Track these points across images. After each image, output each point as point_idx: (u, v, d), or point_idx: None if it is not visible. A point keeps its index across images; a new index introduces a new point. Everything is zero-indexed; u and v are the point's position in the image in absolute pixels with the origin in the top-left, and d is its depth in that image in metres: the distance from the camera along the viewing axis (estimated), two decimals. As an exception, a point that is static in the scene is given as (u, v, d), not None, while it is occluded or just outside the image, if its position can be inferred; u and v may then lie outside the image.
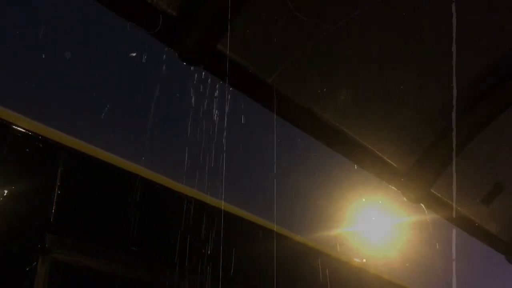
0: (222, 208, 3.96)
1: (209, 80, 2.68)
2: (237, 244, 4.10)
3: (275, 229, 4.43)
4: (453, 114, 3.55)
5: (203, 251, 3.60)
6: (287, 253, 4.58)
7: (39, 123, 3.22)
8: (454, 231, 4.01)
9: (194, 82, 2.61)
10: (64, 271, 3.18)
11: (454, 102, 3.51)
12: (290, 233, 4.65)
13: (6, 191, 2.97)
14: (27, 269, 2.95)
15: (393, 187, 3.64)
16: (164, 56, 2.41)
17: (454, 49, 3.00)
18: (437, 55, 3.29)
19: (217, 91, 2.74)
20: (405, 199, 3.69)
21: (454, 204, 3.97)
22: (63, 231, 3.14)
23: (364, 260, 5.18)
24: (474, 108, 3.55)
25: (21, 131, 3.08)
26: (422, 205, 3.82)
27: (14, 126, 3.05)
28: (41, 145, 3.17)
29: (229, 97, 2.67)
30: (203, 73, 2.49)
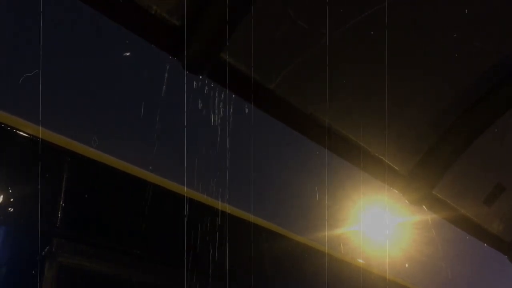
0: (222, 209, 3.99)
1: (212, 86, 2.71)
2: (238, 245, 4.13)
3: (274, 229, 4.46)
4: (454, 116, 3.56)
5: (205, 253, 3.63)
6: (289, 254, 4.61)
7: (42, 128, 3.25)
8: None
9: (198, 90, 2.64)
10: (70, 275, 3.22)
11: (455, 104, 3.52)
12: (291, 234, 4.67)
13: (12, 196, 3.01)
14: (34, 273, 2.99)
15: (394, 190, 3.66)
16: (168, 65, 2.45)
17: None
18: (438, 57, 3.31)
19: (221, 98, 2.78)
20: (406, 201, 3.71)
21: (456, 206, 3.99)
22: (69, 236, 3.18)
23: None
24: (476, 109, 3.55)
25: (26, 136, 3.11)
26: (424, 207, 3.84)
27: (18, 131, 3.09)
28: (45, 150, 3.20)
29: (232, 103, 2.70)
30: (206, 81, 2.52)
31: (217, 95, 2.76)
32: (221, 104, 2.83)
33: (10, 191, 3.02)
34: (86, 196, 3.41)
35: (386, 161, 3.49)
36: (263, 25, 2.52)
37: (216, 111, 2.91)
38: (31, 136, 3.18)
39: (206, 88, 2.65)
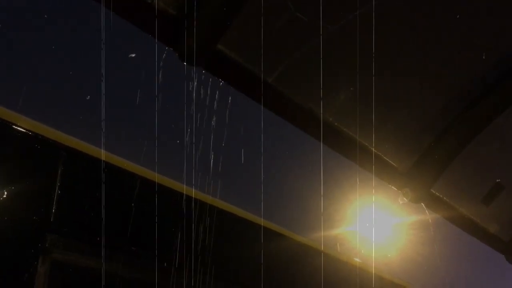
0: (217, 206, 3.96)
1: (210, 80, 2.68)
2: (236, 244, 4.11)
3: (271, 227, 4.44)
4: (453, 114, 3.55)
5: (202, 251, 3.60)
6: (286, 253, 4.59)
7: (38, 123, 3.22)
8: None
9: (194, 82, 2.61)
10: (64, 271, 3.18)
11: (454, 102, 3.51)
12: (290, 233, 4.65)
13: (5, 191, 2.97)
14: (27, 269, 2.95)
15: (393, 187, 3.64)
16: (164, 55, 2.41)
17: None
18: (436, 56, 3.29)
19: (217, 91, 2.74)
20: (405, 199, 3.69)
21: (454, 205, 3.97)
22: (63, 231, 3.14)
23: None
24: (474, 108, 3.54)
25: (20, 130, 3.08)
26: (423, 204, 3.82)
27: (13, 126, 3.05)
28: (40, 145, 3.17)
29: (229, 97, 2.67)
30: (203, 73, 2.49)
31: (214, 87, 2.73)
32: (217, 97, 2.80)
33: (4, 185, 2.99)
34: (81, 192, 3.38)
35: (386, 158, 3.47)
36: (262, 17, 2.49)
37: (212, 104, 2.88)
38: (27, 131, 3.15)
39: (203, 80, 2.62)
